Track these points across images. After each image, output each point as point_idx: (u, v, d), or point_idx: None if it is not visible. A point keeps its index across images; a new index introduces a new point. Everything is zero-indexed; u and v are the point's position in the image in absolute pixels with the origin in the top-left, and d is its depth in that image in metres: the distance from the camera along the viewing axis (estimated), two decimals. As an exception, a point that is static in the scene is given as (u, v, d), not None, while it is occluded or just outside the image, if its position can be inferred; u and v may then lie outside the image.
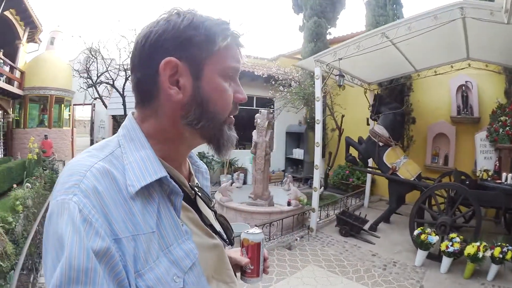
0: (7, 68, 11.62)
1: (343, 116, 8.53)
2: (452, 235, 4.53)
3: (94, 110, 14.18)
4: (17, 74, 12.46)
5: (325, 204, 7.06)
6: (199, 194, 0.84)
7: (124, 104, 7.59)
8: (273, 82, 9.49)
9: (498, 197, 4.82)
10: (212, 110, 0.72)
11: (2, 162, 9.45)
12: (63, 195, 0.57)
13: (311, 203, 6.14)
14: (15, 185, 6.96)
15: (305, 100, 9.50)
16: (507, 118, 5.47)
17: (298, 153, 11.18)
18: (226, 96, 0.74)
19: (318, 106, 6.00)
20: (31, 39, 13.22)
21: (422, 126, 7.80)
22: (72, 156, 13.69)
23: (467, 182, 5.45)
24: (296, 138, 11.61)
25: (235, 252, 0.97)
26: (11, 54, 11.97)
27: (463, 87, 7.11)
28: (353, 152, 6.88)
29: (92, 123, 14.45)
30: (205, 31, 0.69)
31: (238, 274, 0.95)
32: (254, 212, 5.94)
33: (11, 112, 12.48)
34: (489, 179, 5.22)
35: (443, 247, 4.43)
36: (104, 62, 8.19)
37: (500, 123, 5.51)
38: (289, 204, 6.27)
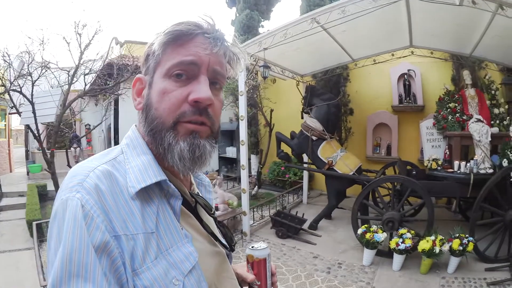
0: None
1: (272, 110, 7.74)
2: (402, 230, 3.78)
3: (27, 118, 11.82)
4: None
5: (259, 205, 6.06)
6: (199, 202, 0.78)
7: (34, 112, 6.19)
8: None
9: (450, 187, 4.24)
10: (153, 115, 0.67)
11: None
12: (67, 193, 0.56)
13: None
14: None
15: (234, 96, 8.60)
16: (456, 104, 4.90)
17: (231, 152, 10.20)
18: (167, 97, 0.66)
19: (242, 101, 5.13)
20: None
21: (361, 117, 7.12)
22: (10, 170, 11.98)
23: (414, 173, 4.83)
24: (229, 136, 10.61)
25: (241, 268, 0.90)
26: None
27: (405, 76, 6.57)
28: (286, 148, 6.02)
29: (26, 132, 12.20)
30: (153, 43, 0.68)
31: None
32: None
33: None
34: (439, 168, 4.58)
35: (392, 245, 3.65)
36: (12, 68, 6.70)
37: (448, 109, 4.93)
38: (216, 209, 5.22)
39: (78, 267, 0.49)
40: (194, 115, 0.66)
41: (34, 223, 4.11)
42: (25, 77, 6.39)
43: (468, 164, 4.22)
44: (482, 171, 4.12)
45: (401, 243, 3.56)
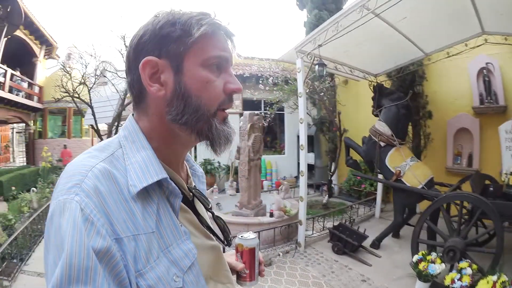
0: (25, 85, 11.96)
1: (339, 113, 7.23)
2: (462, 264, 3.08)
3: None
4: (36, 89, 12.72)
5: (322, 215, 5.73)
6: (197, 196, 0.79)
7: (93, 114, 7.45)
8: (260, 81, 8.52)
9: None
10: (196, 103, 0.67)
11: (19, 169, 10.07)
12: (65, 195, 0.55)
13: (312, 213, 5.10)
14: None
15: (312, 99, 8.34)
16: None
17: (310, 158, 9.88)
18: (210, 87, 0.68)
19: (301, 102, 4.95)
20: (49, 55, 13.48)
21: (440, 121, 6.07)
22: (94, 165, 14.34)
23: (491, 189, 3.90)
24: (309, 142, 10.26)
25: (230, 257, 0.92)
26: (30, 71, 12.32)
27: (484, 71, 5.36)
28: (357, 155, 5.55)
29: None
30: (181, 25, 0.65)
31: (234, 276, 0.91)
32: (231, 223, 5.05)
33: (31, 124, 12.82)
34: (517, 185, 3.58)
35: (447, 281, 3.00)
36: (71, 78, 8.10)
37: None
38: (271, 215, 5.15)
39: (78, 272, 0.49)
40: (229, 103, 0.71)
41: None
42: (84, 85, 7.58)
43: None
44: None
45: (458, 280, 2.91)
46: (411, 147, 6.24)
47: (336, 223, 5.15)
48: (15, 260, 4.29)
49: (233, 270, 0.89)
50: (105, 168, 0.59)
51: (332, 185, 8.45)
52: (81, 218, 0.51)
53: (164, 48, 0.65)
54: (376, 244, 4.75)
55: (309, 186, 9.18)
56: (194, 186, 0.84)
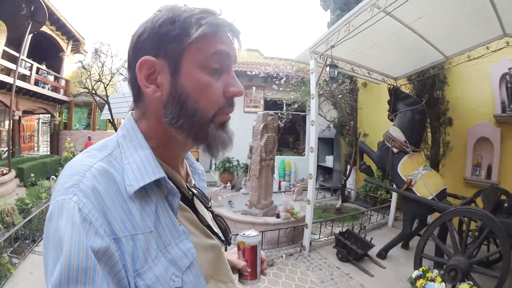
0: (51, 78, 12.72)
1: (354, 117, 7.13)
2: (463, 286, 2.95)
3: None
4: (63, 82, 13.49)
5: (331, 220, 5.72)
6: (197, 194, 0.79)
7: (109, 109, 8.03)
8: (276, 81, 8.49)
9: None
10: (192, 107, 0.65)
11: (41, 158, 10.69)
12: (63, 195, 0.55)
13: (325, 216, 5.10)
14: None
15: (332, 101, 8.29)
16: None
17: (329, 161, 9.83)
18: (209, 91, 0.66)
19: (313, 104, 4.90)
20: (76, 50, 14.13)
21: (461, 129, 5.78)
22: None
23: (506, 205, 3.72)
24: (330, 144, 10.17)
25: (232, 255, 0.93)
26: (57, 65, 13.13)
27: (507, 76, 5.00)
28: (370, 161, 5.45)
29: None
30: (181, 23, 0.63)
31: (236, 275, 0.91)
32: (237, 221, 5.24)
33: (57, 116, 13.56)
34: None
35: (443, 301, 2.93)
36: (90, 76, 8.60)
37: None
38: (278, 216, 5.23)
39: (77, 272, 0.49)
40: (230, 108, 0.69)
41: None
42: (101, 82, 8.19)
43: None
44: None
45: (455, 300, 2.83)
46: (429, 155, 6.06)
47: (342, 229, 5.11)
48: (27, 241, 4.60)
49: (235, 268, 0.89)
50: (103, 167, 0.60)
51: (349, 190, 8.38)
52: (79, 218, 0.52)
53: (162, 48, 0.64)
54: (383, 254, 4.66)
55: (326, 189, 9.28)
56: (194, 184, 0.84)
